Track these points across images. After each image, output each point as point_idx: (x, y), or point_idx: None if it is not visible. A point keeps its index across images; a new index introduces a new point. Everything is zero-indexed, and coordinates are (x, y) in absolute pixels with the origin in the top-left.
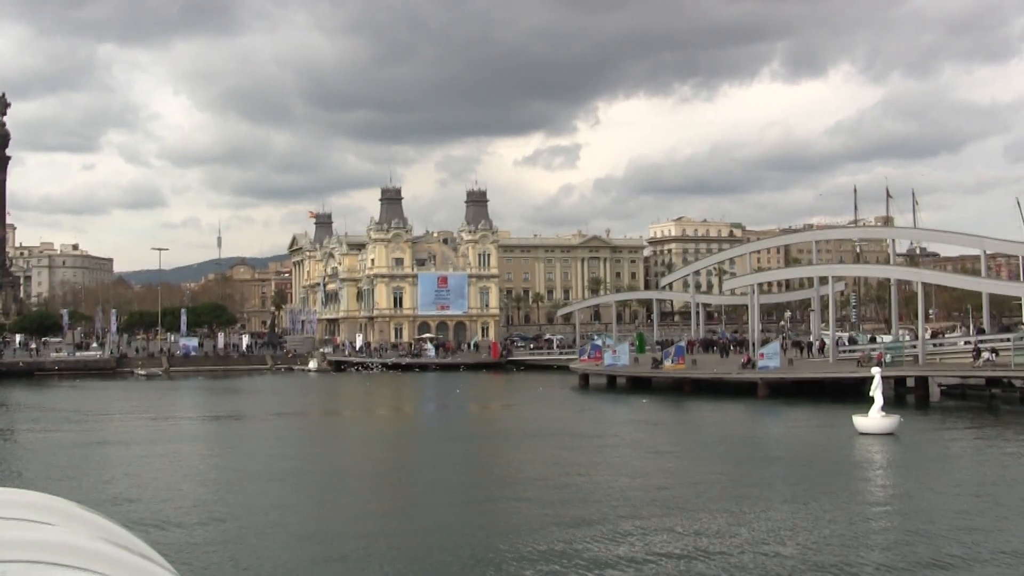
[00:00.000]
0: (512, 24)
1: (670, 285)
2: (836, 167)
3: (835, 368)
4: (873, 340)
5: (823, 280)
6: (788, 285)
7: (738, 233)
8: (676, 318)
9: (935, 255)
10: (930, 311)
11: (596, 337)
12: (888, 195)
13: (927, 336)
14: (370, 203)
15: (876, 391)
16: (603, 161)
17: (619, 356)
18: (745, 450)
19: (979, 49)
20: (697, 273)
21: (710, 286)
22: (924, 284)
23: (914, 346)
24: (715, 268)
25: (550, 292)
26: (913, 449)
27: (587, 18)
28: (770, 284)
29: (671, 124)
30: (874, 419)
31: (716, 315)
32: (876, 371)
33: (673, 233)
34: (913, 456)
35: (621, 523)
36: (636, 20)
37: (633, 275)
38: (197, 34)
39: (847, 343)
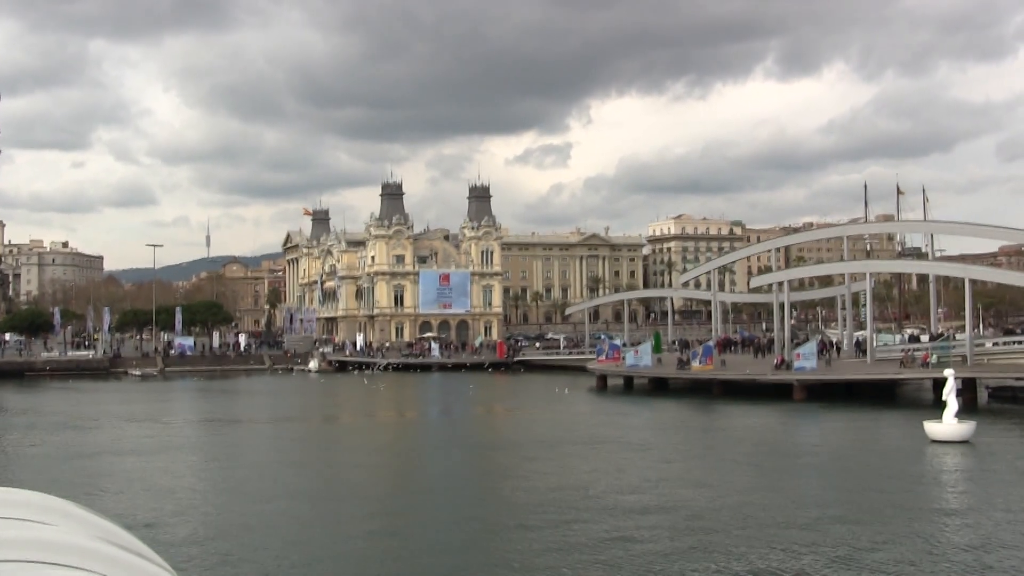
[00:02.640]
0: (504, 21)
1: (701, 281)
2: (828, 166)
3: (878, 369)
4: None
5: (853, 277)
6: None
7: (738, 231)
8: (677, 317)
9: (933, 253)
10: (940, 309)
11: (613, 337)
12: (899, 191)
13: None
14: (361, 201)
15: (950, 395)
16: (594, 160)
17: (641, 356)
18: (821, 461)
19: (973, 48)
20: (701, 273)
21: (710, 284)
22: (938, 280)
23: (962, 346)
24: (717, 268)
25: (548, 291)
26: (997, 459)
27: (580, 15)
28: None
29: (664, 122)
30: (949, 425)
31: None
32: (949, 373)
33: (673, 231)
34: (1001, 467)
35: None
36: (629, 17)
37: (632, 274)
38: (188, 30)
39: (907, 341)
